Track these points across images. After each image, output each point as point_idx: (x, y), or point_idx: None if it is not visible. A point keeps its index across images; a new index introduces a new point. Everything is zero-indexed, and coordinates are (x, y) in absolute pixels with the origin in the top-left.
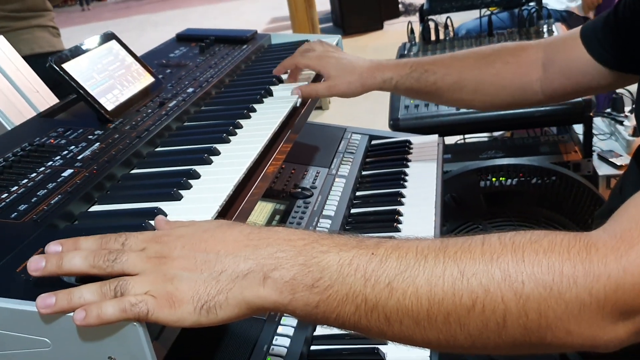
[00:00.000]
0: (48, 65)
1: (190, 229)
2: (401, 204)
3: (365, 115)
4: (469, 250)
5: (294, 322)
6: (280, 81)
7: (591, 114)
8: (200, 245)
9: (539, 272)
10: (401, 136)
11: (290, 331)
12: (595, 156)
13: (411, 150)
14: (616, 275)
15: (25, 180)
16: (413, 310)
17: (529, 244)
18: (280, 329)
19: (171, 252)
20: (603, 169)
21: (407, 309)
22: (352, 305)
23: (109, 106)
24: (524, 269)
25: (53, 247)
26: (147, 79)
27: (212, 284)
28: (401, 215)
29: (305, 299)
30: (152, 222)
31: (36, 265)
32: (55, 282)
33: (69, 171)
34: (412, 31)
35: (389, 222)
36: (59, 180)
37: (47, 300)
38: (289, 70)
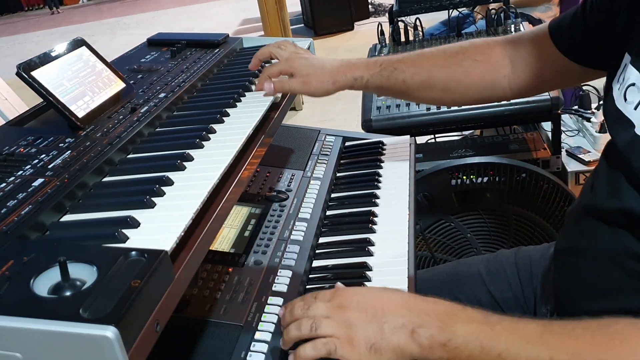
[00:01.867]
0: (16, 73)
1: (363, 289)
2: (376, 204)
3: (339, 115)
4: (558, 340)
5: (271, 327)
6: (253, 83)
7: (559, 111)
8: (371, 302)
9: None
10: (374, 137)
11: (268, 337)
12: (563, 153)
13: (384, 151)
14: None
15: None
16: None
17: (603, 337)
18: (257, 335)
19: (350, 304)
20: (572, 165)
21: None
22: None
23: (80, 113)
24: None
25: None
26: (118, 85)
27: (379, 332)
28: (376, 216)
29: (439, 353)
30: (126, 232)
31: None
32: (22, 293)
33: (40, 180)
34: (382, 32)
35: (365, 223)
36: (29, 190)
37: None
38: (263, 64)
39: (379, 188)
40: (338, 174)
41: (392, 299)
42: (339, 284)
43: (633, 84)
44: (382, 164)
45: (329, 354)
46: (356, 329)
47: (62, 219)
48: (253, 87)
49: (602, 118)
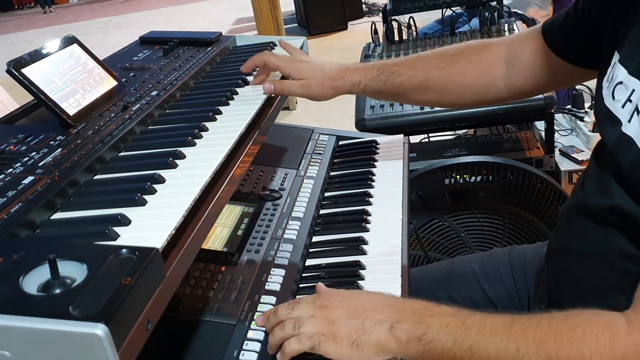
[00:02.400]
0: (7, 70)
1: (342, 291)
2: (369, 203)
3: (333, 115)
4: (525, 332)
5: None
6: (246, 83)
7: (552, 110)
8: (351, 301)
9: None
10: (368, 136)
11: (261, 335)
12: (557, 152)
13: (378, 150)
14: None
15: None
16: None
17: (567, 331)
18: (250, 334)
19: (332, 304)
20: (565, 165)
21: None
22: (446, 357)
23: (71, 111)
24: (562, 353)
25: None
26: (110, 83)
27: (360, 328)
28: (369, 215)
29: (415, 347)
30: (117, 229)
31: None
32: (11, 291)
33: (30, 178)
34: (375, 31)
35: (358, 222)
36: (19, 187)
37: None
38: (257, 69)
39: (372, 187)
40: (331, 173)
41: (372, 298)
42: (320, 284)
43: (621, 82)
44: (375, 163)
45: (313, 349)
46: (339, 325)
47: (52, 217)
48: (250, 78)
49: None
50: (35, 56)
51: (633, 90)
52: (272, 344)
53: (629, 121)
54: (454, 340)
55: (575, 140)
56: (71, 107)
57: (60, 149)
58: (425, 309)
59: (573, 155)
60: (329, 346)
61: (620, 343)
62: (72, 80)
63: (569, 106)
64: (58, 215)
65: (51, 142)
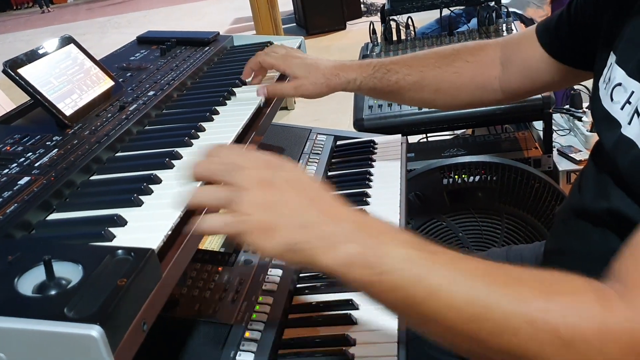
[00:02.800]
0: (2, 70)
1: (301, 173)
2: (367, 203)
3: (331, 115)
4: (506, 283)
5: (261, 327)
6: (244, 83)
7: (550, 110)
8: (306, 193)
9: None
10: (366, 136)
11: (258, 336)
12: (555, 152)
13: (376, 150)
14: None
15: None
16: (447, 319)
17: (558, 285)
18: (247, 334)
19: (283, 186)
20: (563, 165)
21: (443, 317)
22: (398, 294)
23: (68, 111)
24: (552, 308)
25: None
26: (107, 83)
27: (301, 232)
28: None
29: (360, 276)
30: (113, 230)
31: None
32: (6, 293)
33: (26, 179)
34: (374, 31)
35: None
36: (15, 188)
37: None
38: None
39: (370, 187)
40: (329, 173)
41: (328, 200)
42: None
43: (619, 84)
44: (373, 163)
45: (237, 235)
46: (279, 216)
47: (48, 218)
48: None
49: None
50: (32, 56)
51: (632, 92)
52: (196, 202)
53: (629, 123)
54: (414, 279)
55: (573, 140)
56: (68, 108)
57: (56, 150)
58: (385, 233)
59: (571, 155)
60: (259, 239)
61: (616, 318)
62: (69, 80)
63: (567, 106)
64: (54, 216)
65: (47, 143)
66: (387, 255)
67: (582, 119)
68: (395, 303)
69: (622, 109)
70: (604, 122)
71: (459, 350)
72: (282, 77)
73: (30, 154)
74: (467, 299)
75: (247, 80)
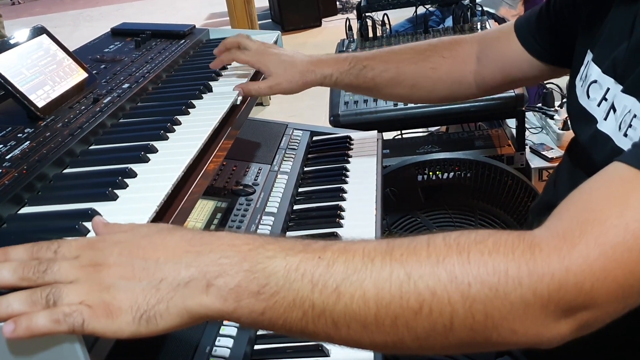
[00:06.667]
0: None
1: (127, 234)
2: (343, 199)
3: (306, 111)
4: (414, 253)
5: None
6: (219, 75)
7: (523, 108)
8: (138, 252)
9: (484, 273)
10: (342, 132)
11: (233, 331)
12: (527, 149)
13: (352, 146)
14: (559, 275)
15: None
16: (361, 314)
17: (474, 245)
18: (222, 330)
19: (107, 260)
20: (535, 162)
21: (355, 313)
22: (299, 311)
23: (40, 103)
24: (470, 270)
25: None
26: (80, 75)
27: (152, 293)
28: (343, 210)
29: (250, 306)
30: (87, 224)
31: None
32: None
33: None
34: (349, 28)
35: (332, 217)
36: None
37: None
38: (228, 66)
39: (346, 183)
40: (305, 169)
41: (172, 242)
42: (97, 218)
43: (595, 81)
44: (349, 159)
45: (74, 330)
46: (117, 291)
47: (19, 212)
48: (223, 72)
49: (565, 115)
50: (3, 46)
51: (608, 89)
52: (4, 314)
53: (605, 119)
54: (311, 285)
55: (545, 138)
56: (40, 99)
57: (28, 142)
58: (257, 249)
59: (543, 152)
60: (100, 322)
61: (544, 259)
62: (41, 71)
63: (540, 104)
64: (26, 210)
65: (19, 135)
66: (271, 274)
67: (554, 117)
68: (305, 324)
69: (598, 105)
70: (580, 118)
71: (386, 347)
72: (258, 73)
73: (0, 146)
74: (376, 283)
75: (223, 73)
